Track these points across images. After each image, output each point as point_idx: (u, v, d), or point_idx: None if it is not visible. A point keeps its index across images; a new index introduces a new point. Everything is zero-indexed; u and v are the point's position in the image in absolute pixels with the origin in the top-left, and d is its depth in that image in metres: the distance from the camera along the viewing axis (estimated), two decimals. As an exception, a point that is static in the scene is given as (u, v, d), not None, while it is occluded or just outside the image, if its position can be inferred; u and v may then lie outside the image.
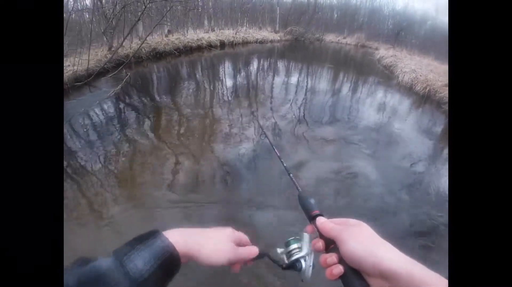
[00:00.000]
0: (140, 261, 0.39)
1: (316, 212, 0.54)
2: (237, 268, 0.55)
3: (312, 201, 0.58)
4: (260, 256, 0.56)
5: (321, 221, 0.51)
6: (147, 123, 4.75)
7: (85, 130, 4.33)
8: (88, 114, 4.95)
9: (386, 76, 10.63)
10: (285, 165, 0.78)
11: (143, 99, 6.18)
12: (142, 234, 0.44)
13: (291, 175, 0.71)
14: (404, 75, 9.26)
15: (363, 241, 0.43)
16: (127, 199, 2.85)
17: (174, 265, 0.43)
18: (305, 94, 7.09)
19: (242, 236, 0.57)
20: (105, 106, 5.43)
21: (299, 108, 5.94)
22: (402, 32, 21.82)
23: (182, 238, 0.46)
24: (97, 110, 5.19)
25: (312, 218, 0.54)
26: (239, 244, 0.55)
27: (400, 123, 5.83)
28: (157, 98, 6.27)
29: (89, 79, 6.66)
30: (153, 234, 0.44)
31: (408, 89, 8.58)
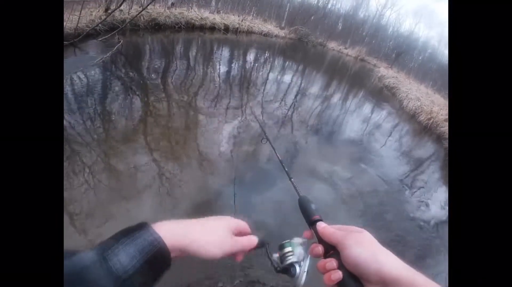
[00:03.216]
0: (125, 256, 0.35)
1: (317, 217, 0.51)
2: (240, 257, 0.51)
3: (313, 206, 0.54)
4: (260, 245, 0.52)
5: (322, 226, 0.48)
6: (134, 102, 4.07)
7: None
8: (70, 80, 4.17)
9: (388, 98, 10.44)
10: (286, 169, 0.72)
11: (130, 73, 5.41)
12: (129, 227, 0.39)
13: (292, 179, 0.66)
14: (409, 101, 9.08)
15: (367, 247, 0.40)
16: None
17: (162, 260, 0.38)
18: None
19: (242, 224, 0.52)
20: (88, 74, 4.63)
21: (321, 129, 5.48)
22: (403, 54, 22.04)
23: (172, 231, 0.41)
24: (78, 77, 4.40)
25: (311, 223, 0.51)
26: (239, 233, 0.50)
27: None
28: (147, 76, 5.52)
29: (76, 39, 5.76)
30: (140, 226, 0.39)
31: (410, 117, 8.40)
